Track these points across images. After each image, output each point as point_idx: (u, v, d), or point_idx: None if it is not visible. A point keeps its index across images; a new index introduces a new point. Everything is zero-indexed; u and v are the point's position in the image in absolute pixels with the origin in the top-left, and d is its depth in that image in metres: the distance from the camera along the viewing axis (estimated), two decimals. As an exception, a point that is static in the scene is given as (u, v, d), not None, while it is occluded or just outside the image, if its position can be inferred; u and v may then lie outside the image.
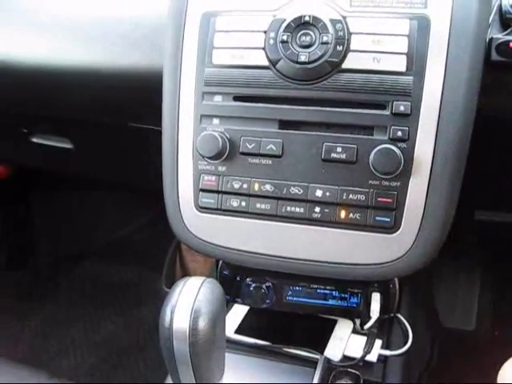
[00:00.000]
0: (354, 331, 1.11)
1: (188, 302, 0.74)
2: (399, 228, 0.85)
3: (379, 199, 0.84)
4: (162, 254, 2.06)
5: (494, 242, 1.82)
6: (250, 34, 0.89)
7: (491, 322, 1.83)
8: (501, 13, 0.89)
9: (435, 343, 1.69)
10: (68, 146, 1.43)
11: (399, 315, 1.14)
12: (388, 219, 0.85)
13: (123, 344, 1.96)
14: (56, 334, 2.01)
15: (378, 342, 1.08)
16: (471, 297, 1.86)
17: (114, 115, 1.22)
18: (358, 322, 1.11)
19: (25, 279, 2.22)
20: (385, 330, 1.13)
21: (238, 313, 1.16)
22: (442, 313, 1.81)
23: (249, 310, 1.16)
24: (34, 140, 1.47)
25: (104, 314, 2.06)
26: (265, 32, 0.87)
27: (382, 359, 1.07)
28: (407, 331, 1.12)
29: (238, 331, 1.12)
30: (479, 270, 1.89)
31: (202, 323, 0.73)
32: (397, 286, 1.06)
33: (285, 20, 0.86)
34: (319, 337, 1.09)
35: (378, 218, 0.85)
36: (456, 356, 1.65)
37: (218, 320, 0.76)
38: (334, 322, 1.13)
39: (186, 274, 1.96)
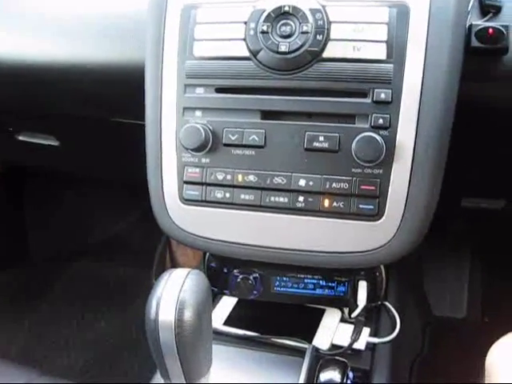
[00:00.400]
0: (342, 320, 1.12)
1: (173, 293, 0.74)
2: (383, 215, 0.85)
3: (362, 187, 0.85)
4: (152, 250, 2.07)
5: (483, 229, 1.83)
6: (230, 25, 0.89)
7: (481, 309, 1.83)
8: (480, -1, 0.90)
9: (426, 331, 1.70)
10: (54, 143, 1.42)
11: (387, 303, 1.14)
12: (371, 207, 0.85)
13: (116, 341, 1.96)
14: (49, 332, 2.00)
15: (366, 330, 1.08)
16: (461, 284, 1.87)
17: (97, 110, 1.22)
18: (346, 310, 1.12)
19: (18, 278, 2.21)
20: (373, 318, 1.14)
21: (226, 305, 1.17)
22: (432, 301, 1.82)
23: (237, 302, 1.17)
24: (21, 138, 1.47)
25: (97, 312, 2.06)
26: (245, 23, 0.87)
27: (371, 347, 1.08)
28: (395, 319, 1.12)
29: (227, 323, 1.12)
30: (468, 258, 1.90)
31: (188, 314, 0.73)
32: (383, 274, 1.06)
33: (265, 10, 0.86)
34: (307, 326, 1.10)
35: (361, 206, 0.85)
36: (447, 344, 1.66)
37: (203, 311, 0.76)
38: (322, 312, 1.13)
39: (175, 267, 1.97)
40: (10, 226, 2.30)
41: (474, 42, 0.87)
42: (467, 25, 0.87)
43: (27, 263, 2.26)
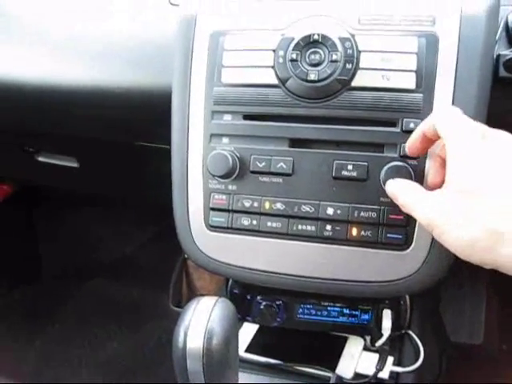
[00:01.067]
0: (365, 348, 1.11)
1: (201, 321, 0.75)
2: (411, 245, 0.85)
3: (390, 216, 0.84)
4: (166, 271, 2.06)
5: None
6: (258, 52, 0.89)
7: (498, 335, 1.82)
8: (507, 29, 0.90)
9: (443, 358, 1.68)
10: (74, 164, 1.43)
11: (410, 332, 1.13)
12: (400, 236, 0.85)
13: (128, 363, 1.96)
14: (61, 353, 2.00)
15: (390, 359, 1.08)
16: (478, 311, 1.86)
17: (120, 134, 1.22)
18: (368, 339, 1.11)
19: (29, 297, 2.22)
20: (396, 346, 1.13)
21: (247, 331, 1.16)
22: (449, 327, 1.81)
23: (259, 328, 1.16)
24: (40, 159, 1.47)
25: (110, 334, 2.05)
26: (274, 50, 0.88)
27: (394, 376, 1.07)
28: (418, 348, 1.11)
29: (249, 350, 1.11)
30: (485, 284, 1.89)
31: (216, 343, 0.74)
32: (408, 303, 1.05)
33: (293, 38, 0.86)
34: (330, 354, 1.09)
35: (389, 235, 0.85)
36: (465, 370, 1.64)
37: (231, 339, 0.76)
38: (345, 340, 1.13)
39: (192, 292, 1.96)
40: (22, 244, 2.31)
41: (502, 72, 0.87)
42: (495, 55, 0.87)
43: (39, 282, 2.27)
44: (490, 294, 1.87)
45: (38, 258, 2.30)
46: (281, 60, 0.87)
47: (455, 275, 1.82)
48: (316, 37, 0.85)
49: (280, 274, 0.91)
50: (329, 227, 0.87)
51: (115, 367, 1.95)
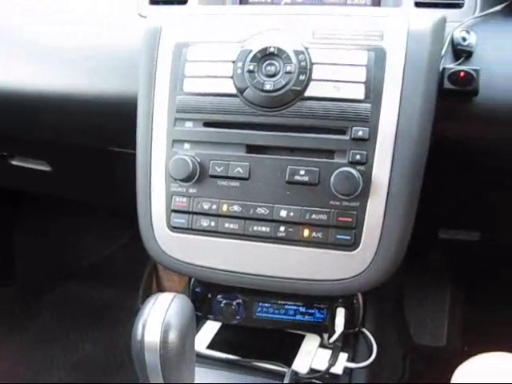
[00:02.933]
0: (322, 345, 1.15)
1: (159, 316, 0.78)
2: (359, 246, 0.90)
3: (340, 219, 0.90)
4: (139, 274, 2.09)
5: (462, 258, 1.87)
6: (219, 63, 0.95)
7: (461, 337, 1.86)
8: (453, 44, 0.96)
9: (406, 359, 1.73)
10: (46, 168, 1.46)
11: (364, 330, 1.18)
12: (348, 237, 0.90)
13: (101, 364, 1.97)
14: (35, 354, 2.01)
15: (344, 355, 1.12)
16: (441, 313, 1.89)
17: (92, 140, 1.25)
18: (325, 336, 1.15)
19: (4, 301, 2.22)
20: (351, 343, 1.17)
21: (210, 329, 1.20)
22: (412, 329, 1.85)
23: (221, 327, 1.20)
24: (14, 163, 1.50)
25: (82, 335, 2.07)
26: (233, 62, 0.93)
27: (348, 372, 1.12)
28: (372, 345, 1.16)
29: (211, 346, 1.15)
30: (449, 287, 1.92)
31: (172, 336, 0.77)
32: (360, 302, 1.10)
33: (251, 51, 0.92)
34: (288, 351, 1.13)
35: (338, 237, 0.90)
36: (428, 371, 1.68)
37: (187, 333, 0.80)
38: (302, 337, 1.17)
39: (161, 292, 1.98)
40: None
41: (447, 84, 0.93)
42: (441, 68, 0.93)
43: (13, 284, 2.27)
44: (453, 297, 1.91)
45: (12, 260, 2.31)
46: (239, 71, 0.92)
47: (418, 278, 1.87)
48: (272, 49, 0.91)
49: (238, 272, 0.96)
50: (282, 228, 0.92)
51: (88, 368, 1.96)
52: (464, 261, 1.87)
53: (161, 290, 1.94)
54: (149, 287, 2.04)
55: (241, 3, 1.19)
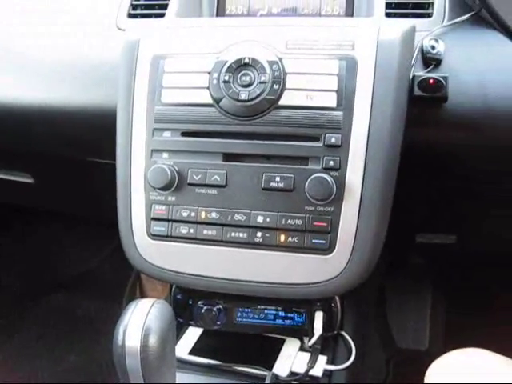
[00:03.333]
0: (302, 349, 1.17)
1: (139, 321, 0.80)
2: (334, 249, 0.92)
3: (315, 223, 0.92)
4: (123, 284, 2.10)
5: (442, 262, 1.90)
6: (195, 74, 0.97)
7: (443, 341, 1.88)
8: (423, 52, 0.99)
9: (389, 363, 1.74)
10: (29, 180, 1.47)
11: (343, 332, 1.20)
12: (323, 241, 0.92)
13: (86, 375, 1.97)
14: (20, 367, 2.00)
15: (323, 358, 1.14)
16: (423, 317, 1.92)
17: (72, 150, 1.27)
18: (306, 340, 1.17)
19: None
20: (330, 346, 1.19)
21: (192, 335, 1.21)
22: (395, 333, 1.87)
23: (202, 332, 1.21)
24: (-4, 175, 1.51)
25: (67, 347, 2.07)
26: (209, 73, 0.96)
27: (328, 374, 1.14)
28: (351, 347, 1.18)
29: (192, 352, 1.16)
30: (430, 291, 1.95)
31: (152, 340, 0.79)
32: (338, 305, 1.12)
33: (226, 62, 0.95)
34: (268, 355, 1.15)
35: (314, 241, 0.92)
36: (409, 376, 1.70)
37: (167, 338, 0.82)
38: (283, 341, 1.19)
39: (145, 301, 1.99)
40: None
41: (417, 91, 0.96)
42: (411, 75, 0.96)
43: (-1, 299, 2.27)
44: (434, 301, 1.94)
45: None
46: (215, 81, 0.95)
47: (400, 282, 1.89)
48: (247, 60, 0.94)
49: (217, 278, 0.98)
50: (259, 234, 0.94)
51: (73, 380, 1.96)
52: (444, 264, 1.90)
53: (144, 299, 1.94)
54: (132, 297, 2.05)
55: (218, 15, 1.22)
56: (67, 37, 1.22)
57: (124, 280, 2.06)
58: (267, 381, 1.04)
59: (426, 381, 0.88)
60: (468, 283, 1.88)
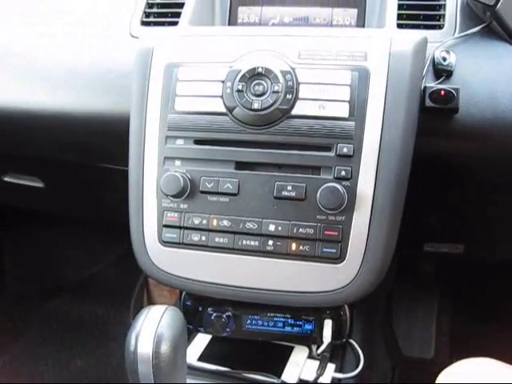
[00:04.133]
0: (310, 357, 1.17)
1: (151, 327, 0.81)
2: (345, 258, 0.93)
3: (326, 232, 0.93)
4: (130, 289, 2.10)
5: (450, 271, 1.90)
6: (208, 83, 0.98)
7: (449, 350, 1.88)
8: (434, 64, 1.00)
9: (395, 371, 1.74)
10: (39, 184, 1.48)
11: (352, 341, 1.21)
12: (334, 250, 0.93)
13: (92, 380, 1.97)
14: (25, 371, 2.00)
15: (332, 366, 1.14)
16: (429, 325, 1.91)
17: (84, 156, 1.28)
18: (314, 348, 1.18)
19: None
20: (339, 354, 1.20)
21: (201, 341, 1.22)
22: (401, 341, 1.87)
23: (211, 339, 1.22)
24: (6, 179, 1.52)
25: (73, 351, 2.07)
26: (222, 82, 0.97)
27: (336, 382, 1.14)
28: (359, 356, 1.18)
29: (201, 359, 1.17)
30: (436, 299, 1.95)
31: (165, 347, 0.80)
32: (347, 314, 1.13)
33: (240, 71, 0.95)
34: (277, 362, 1.15)
35: (325, 250, 0.93)
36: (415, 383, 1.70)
37: (179, 344, 0.82)
38: (291, 349, 1.19)
39: (153, 307, 1.99)
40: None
41: (428, 103, 0.97)
42: (422, 86, 0.97)
43: (3, 300, 2.27)
44: (441, 310, 1.94)
45: (2, 275, 2.31)
46: (228, 90, 0.95)
47: (406, 291, 1.90)
48: (260, 70, 0.94)
49: (227, 285, 0.98)
50: (271, 242, 0.95)
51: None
52: (451, 273, 1.90)
53: (152, 305, 1.94)
54: (140, 303, 2.05)
55: (230, 24, 1.23)
56: (80, 43, 1.22)
57: (131, 285, 2.06)
58: None
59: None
60: (475, 292, 1.87)
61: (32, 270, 2.32)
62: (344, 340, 1.16)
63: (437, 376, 1.71)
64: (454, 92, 0.96)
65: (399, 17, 1.09)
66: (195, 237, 0.98)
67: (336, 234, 0.92)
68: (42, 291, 2.27)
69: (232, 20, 1.23)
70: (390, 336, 1.86)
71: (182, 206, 0.98)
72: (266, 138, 0.95)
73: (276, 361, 1.16)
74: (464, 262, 1.73)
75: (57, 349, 2.07)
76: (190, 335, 1.22)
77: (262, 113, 0.94)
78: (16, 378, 1.98)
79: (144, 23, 1.20)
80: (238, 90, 0.94)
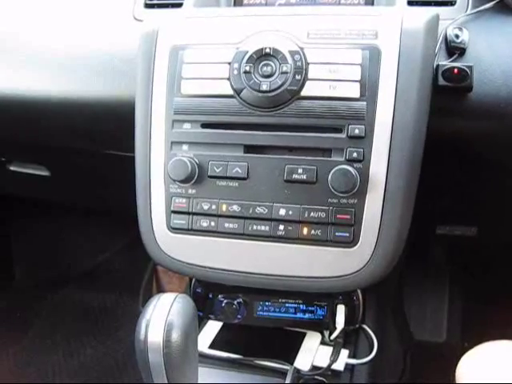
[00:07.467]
0: (323, 342, 1.16)
1: (162, 315, 0.79)
2: (357, 242, 0.91)
3: (338, 216, 0.91)
4: (139, 277, 2.09)
5: (461, 254, 1.88)
6: (215, 65, 0.95)
7: (461, 333, 1.87)
8: (446, 41, 0.97)
9: (407, 356, 1.73)
10: (45, 173, 1.46)
11: (365, 326, 1.19)
12: (347, 234, 0.91)
13: (102, 368, 1.97)
14: (36, 361, 2.01)
15: (345, 352, 1.13)
16: (441, 309, 1.91)
17: (89, 143, 1.26)
18: (326, 333, 1.17)
19: (3, 306, 2.22)
20: (352, 340, 1.18)
21: (212, 329, 1.21)
22: (412, 325, 1.86)
23: (222, 326, 1.21)
24: (12, 168, 1.51)
25: (83, 340, 2.07)
26: (229, 63, 0.94)
27: (350, 368, 1.13)
28: (373, 341, 1.17)
29: (212, 346, 1.16)
30: (448, 283, 1.94)
31: (175, 335, 0.78)
32: (360, 299, 1.11)
33: (247, 52, 0.93)
34: (289, 349, 1.14)
35: (337, 234, 0.91)
36: (427, 368, 1.69)
37: (190, 333, 0.81)
38: (304, 335, 1.18)
39: (162, 294, 1.99)
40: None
41: (441, 81, 0.94)
42: (435, 65, 0.94)
43: (12, 290, 2.27)
44: (452, 293, 1.93)
45: (12, 266, 2.31)
46: (235, 72, 0.93)
47: (418, 274, 1.88)
48: (268, 50, 0.92)
49: (238, 271, 0.97)
50: (281, 227, 0.93)
51: (89, 372, 1.97)
52: (463, 256, 1.89)
53: (161, 292, 1.94)
54: (149, 291, 2.05)
55: (235, 5, 1.20)
56: (83, 28, 1.20)
57: (140, 273, 2.05)
58: (289, 375, 1.04)
59: (457, 374, 0.87)
60: (486, 275, 1.86)
61: (40, 260, 2.33)
62: (357, 325, 1.14)
63: (449, 360, 1.70)
64: (467, 70, 0.93)
65: None
66: (204, 222, 0.96)
67: (348, 217, 0.90)
68: (51, 281, 2.27)
69: (237, 1, 1.20)
70: (402, 320, 1.85)
71: (190, 191, 0.96)
72: (275, 121, 0.92)
73: (288, 347, 1.15)
74: (475, 245, 1.71)
75: (66, 338, 2.08)
76: (201, 322, 1.21)
77: (271, 94, 0.91)
78: (26, 367, 1.98)
79: (148, 6, 1.18)
80: (246, 72, 0.92)
